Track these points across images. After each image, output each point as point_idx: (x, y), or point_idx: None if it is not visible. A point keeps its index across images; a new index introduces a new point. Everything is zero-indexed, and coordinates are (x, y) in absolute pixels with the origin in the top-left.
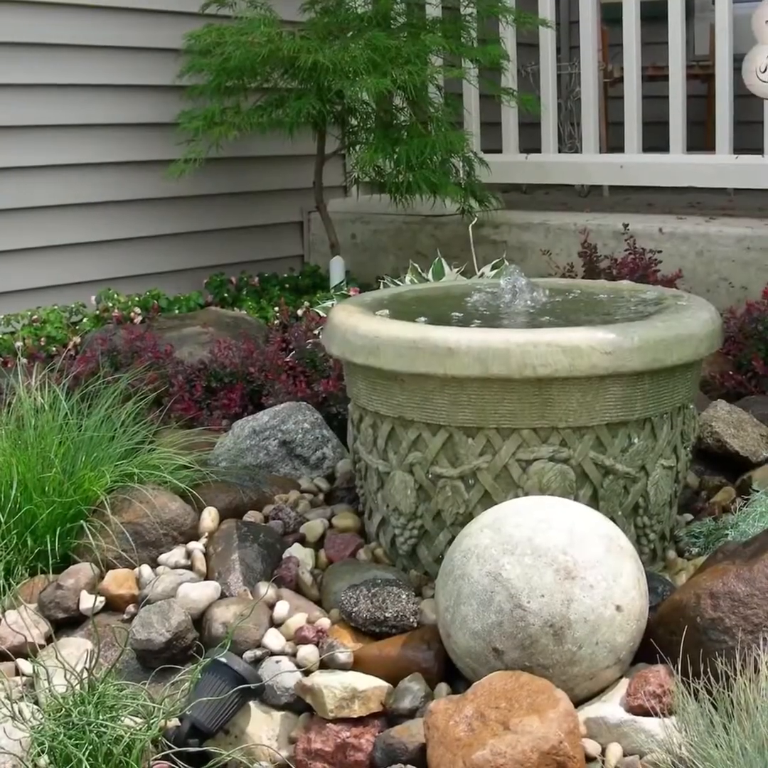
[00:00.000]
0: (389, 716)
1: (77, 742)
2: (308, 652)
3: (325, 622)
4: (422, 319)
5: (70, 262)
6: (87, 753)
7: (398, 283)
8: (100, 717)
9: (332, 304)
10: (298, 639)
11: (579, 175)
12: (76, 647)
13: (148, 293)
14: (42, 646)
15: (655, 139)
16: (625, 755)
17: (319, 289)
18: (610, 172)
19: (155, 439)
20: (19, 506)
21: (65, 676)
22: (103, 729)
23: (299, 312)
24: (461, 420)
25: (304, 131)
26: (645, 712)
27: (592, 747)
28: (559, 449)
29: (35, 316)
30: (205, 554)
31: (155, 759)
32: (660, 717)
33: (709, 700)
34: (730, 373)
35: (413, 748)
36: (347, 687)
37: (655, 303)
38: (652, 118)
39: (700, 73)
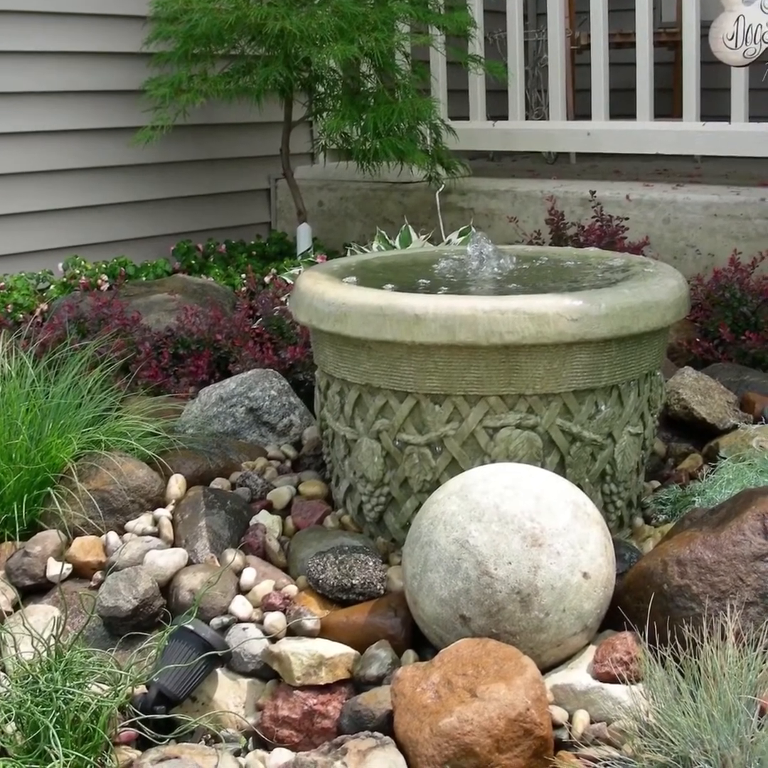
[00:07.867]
0: (356, 683)
1: (44, 709)
2: (275, 619)
3: (292, 589)
4: (389, 286)
5: (36, 229)
6: (54, 720)
7: (365, 250)
8: (67, 684)
9: (299, 271)
10: (265, 606)
11: (546, 142)
12: (43, 614)
13: (115, 260)
14: (9, 613)
15: (622, 106)
16: (592, 722)
17: (287, 256)
18: (577, 139)
19: (122, 406)
20: None
21: (32, 643)
22: (70, 696)
23: (266, 279)
24: (428, 387)
25: (271, 98)
26: (612, 679)
27: (560, 714)
28: (526, 416)
29: (2, 283)
30: (172, 521)
31: (122, 726)
32: (627, 684)
33: (676, 667)
34: (697, 340)
35: (380, 715)
36: (314, 654)
37: (622, 270)
38: (619, 85)
39: (667, 40)
